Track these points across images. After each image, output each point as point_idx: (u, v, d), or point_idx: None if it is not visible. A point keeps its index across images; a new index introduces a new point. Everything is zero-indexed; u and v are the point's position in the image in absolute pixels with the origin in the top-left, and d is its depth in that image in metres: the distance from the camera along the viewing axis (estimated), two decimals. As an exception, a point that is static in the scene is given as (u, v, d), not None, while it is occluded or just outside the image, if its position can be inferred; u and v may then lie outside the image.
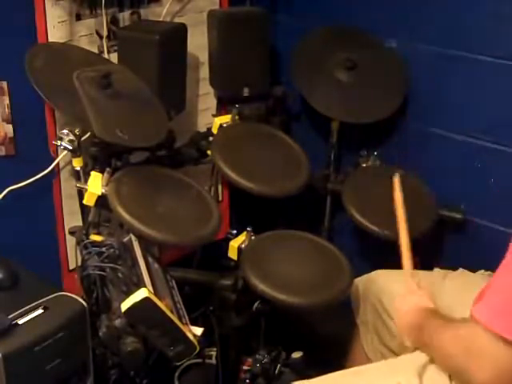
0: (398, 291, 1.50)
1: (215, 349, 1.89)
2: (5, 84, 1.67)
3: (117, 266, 1.55)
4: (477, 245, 1.95)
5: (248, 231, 1.80)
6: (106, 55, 1.85)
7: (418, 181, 1.97)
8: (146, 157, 1.82)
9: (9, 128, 1.72)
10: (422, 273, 1.69)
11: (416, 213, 1.89)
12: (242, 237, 1.81)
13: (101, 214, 1.73)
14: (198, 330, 1.51)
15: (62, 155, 1.78)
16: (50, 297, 1.53)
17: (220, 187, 2.20)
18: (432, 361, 1.30)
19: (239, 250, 1.78)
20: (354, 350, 1.80)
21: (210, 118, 2.10)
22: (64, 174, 1.84)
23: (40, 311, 1.48)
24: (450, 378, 1.25)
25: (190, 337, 1.47)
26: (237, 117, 2.00)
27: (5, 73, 1.66)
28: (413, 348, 1.37)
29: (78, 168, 1.67)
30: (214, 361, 1.92)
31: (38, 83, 1.60)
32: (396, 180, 1.74)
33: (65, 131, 1.63)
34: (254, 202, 1.88)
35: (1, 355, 1.36)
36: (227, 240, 1.83)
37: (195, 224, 1.64)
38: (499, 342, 1.08)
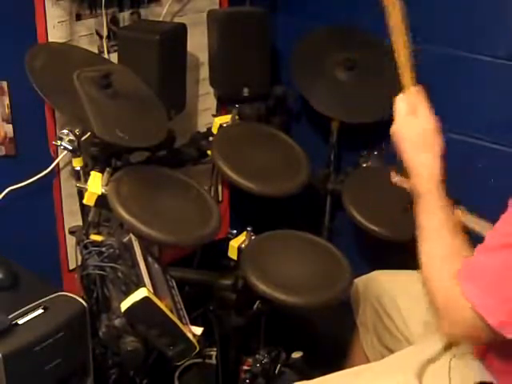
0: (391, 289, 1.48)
1: (215, 349, 1.89)
2: (5, 84, 1.67)
3: (117, 266, 1.55)
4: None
5: (248, 231, 1.80)
6: (106, 55, 1.85)
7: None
8: (146, 157, 1.82)
9: (9, 128, 1.72)
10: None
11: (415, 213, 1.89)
12: (242, 237, 1.81)
13: (101, 213, 1.73)
14: (198, 330, 1.51)
15: (62, 155, 1.78)
16: (50, 297, 1.53)
17: (220, 187, 2.21)
18: (431, 361, 1.30)
19: (239, 249, 1.78)
20: (353, 351, 1.80)
21: (210, 118, 2.10)
22: (64, 174, 1.84)
23: (40, 311, 1.48)
24: (450, 377, 1.25)
25: (190, 337, 1.47)
26: (237, 117, 2.00)
27: (5, 73, 1.67)
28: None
29: (78, 168, 1.67)
30: (214, 361, 1.92)
31: (38, 83, 1.60)
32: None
33: (65, 131, 1.63)
34: (254, 201, 1.88)
35: (1, 355, 1.36)
36: (227, 240, 1.83)
37: (195, 224, 1.64)
38: (474, 313, 1.08)
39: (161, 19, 1.96)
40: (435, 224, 1.22)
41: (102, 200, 1.61)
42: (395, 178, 1.65)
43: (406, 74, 1.35)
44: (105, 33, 1.83)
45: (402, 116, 1.31)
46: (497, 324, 1.07)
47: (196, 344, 1.47)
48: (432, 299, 1.17)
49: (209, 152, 1.92)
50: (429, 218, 1.23)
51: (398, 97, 1.34)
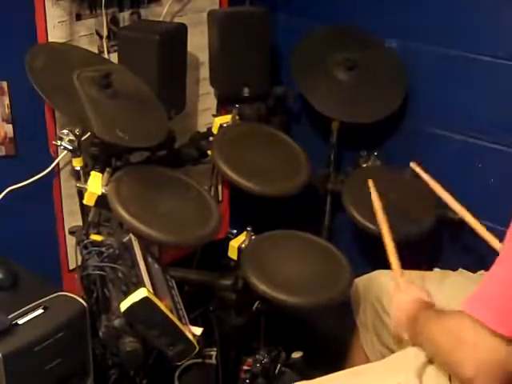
0: (390, 291, 1.51)
1: (215, 349, 1.89)
2: (5, 84, 1.67)
3: (117, 266, 1.55)
4: (477, 245, 1.95)
5: (248, 231, 1.80)
6: (106, 55, 1.85)
7: (418, 181, 1.97)
8: (146, 157, 1.82)
9: (9, 128, 1.72)
10: (421, 273, 1.69)
11: (416, 213, 1.89)
12: (242, 237, 1.81)
13: (101, 213, 1.73)
14: (198, 330, 1.51)
15: (62, 155, 1.78)
16: (50, 297, 1.53)
17: (220, 187, 2.21)
18: (431, 361, 1.30)
19: (239, 249, 1.78)
20: (353, 350, 1.80)
21: (210, 118, 2.10)
22: (64, 174, 1.84)
23: (40, 311, 1.48)
24: (450, 377, 1.25)
25: (190, 337, 1.47)
26: (237, 117, 2.00)
27: (5, 73, 1.67)
28: (410, 343, 1.37)
29: (78, 168, 1.67)
30: (214, 361, 1.92)
31: (38, 83, 1.59)
32: (370, 183, 1.80)
33: (65, 131, 1.63)
34: (254, 201, 1.88)
35: (1, 355, 1.36)
36: (227, 240, 1.83)
37: (195, 224, 1.64)
38: (483, 330, 1.08)
39: (161, 19, 1.96)
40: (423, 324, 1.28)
41: (102, 200, 1.61)
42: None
43: (392, 257, 1.53)
44: (105, 33, 1.83)
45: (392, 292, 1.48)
46: (510, 333, 1.06)
47: (196, 344, 1.47)
48: (441, 355, 1.20)
49: (209, 152, 1.92)
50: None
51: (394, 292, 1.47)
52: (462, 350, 1.12)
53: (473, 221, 1.70)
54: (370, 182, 1.80)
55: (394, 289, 1.46)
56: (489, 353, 1.09)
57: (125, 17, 1.89)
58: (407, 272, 1.66)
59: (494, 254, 1.20)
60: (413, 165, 1.86)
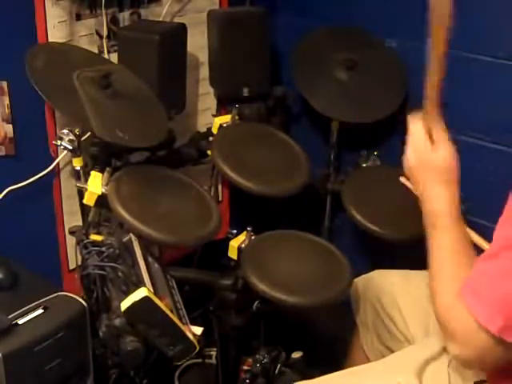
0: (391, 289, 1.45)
1: (215, 349, 1.89)
2: (5, 84, 1.67)
3: (117, 266, 1.55)
4: (477, 245, 1.95)
5: (248, 231, 1.80)
6: (106, 55, 1.85)
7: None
8: (146, 157, 1.82)
9: (9, 128, 1.72)
10: (422, 272, 1.69)
11: (416, 213, 1.89)
12: (242, 237, 1.80)
13: (101, 213, 1.73)
14: (198, 330, 1.51)
15: (62, 155, 1.78)
16: (50, 297, 1.53)
17: (220, 187, 2.21)
18: (431, 360, 1.30)
19: (239, 249, 1.78)
20: (353, 350, 1.80)
21: (210, 118, 2.10)
22: (64, 174, 1.84)
23: (40, 311, 1.48)
24: (449, 377, 1.25)
25: (190, 336, 1.47)
26: (237, 117, 2.00)
27: (5, 73, 1.67)
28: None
29: (78, 168, 1.67)
30: (214, 361, 1.92)
31: (38, 83, 1.60)
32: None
33: (65, 131, 1.63)
34: (254, 201, 1.88)
35: (1, 355, 1.36)
36: (227, 240, 1.83)
37: (195, 224, 1.64)
38: (473, 323, 1.06)
39: (161, 19, 1.96)
40: (448, 252, 1.18)
41: (102, 200, 1.61)
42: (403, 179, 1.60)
43: (431, 93, 1.23)
44: (105, 33, 1.83)
45: (419, 141, 1.23)
46: (497, 329, 1.05)
47: (196, 344, 1.47)
48: (441, 323, 1.14)
49: (209, 152, 1.92)
50: (442, 245, 1.19)
51: (415, 116, 1.25)
52: (454, 333, 1.11)
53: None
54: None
55: (425, 136, 1.21)
56: (472, 338, 1.08)
57: (125, 17, 1.89)
58: (408, 271, 1.66)
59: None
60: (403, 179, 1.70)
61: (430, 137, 1.21)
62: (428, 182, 1.22)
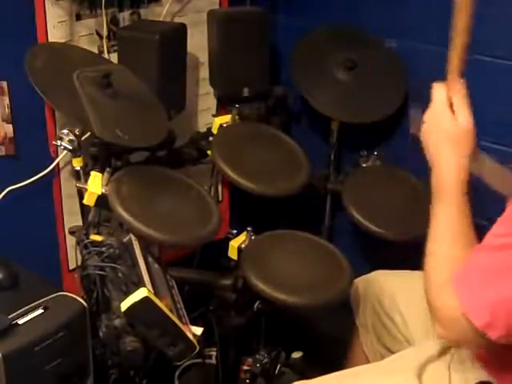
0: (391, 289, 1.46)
1: (215, 349, 1.88)
2: (5, 84, 1.67)
3: (117, 266, 1.55)
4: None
5: (248, 231, 1.80)
6: (106, 55, 1.85)
7: (418, 181, 1.97)
8: (146, 157, 1.82)
9: (9, 128, 1.72)
10: (422, 273, 1.69)
11: (416, 213, 1.89)
12: (242, 237, 1.81)
13: (101, 213, 1.73)
14: (198, 330, 1.51)
15: (62, 155, 1.78)
16: (50, 297, 1.53)
17: (220, 187, 2.20)
18: (431, 361, 1.30)
19: (239, 249, 1.78)
20: (353, 350, 1.80)
21: (210, 118, 2.10)
22: (64, 174, 1.84)
23: (40, 311, 1.48)
24: (450, 378, 1.25)
25: (190, 336, 1.47)
26: (237, 117, 2.00)
27: (5, 73, 1.67)
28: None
29: (78, 168, 1.67)
30: (214, 361, 1.92)
31: (38, 83, 1.60)
32: None
33: (65, 131, 1.63)
34: (254, 201, 1.88)
35: (1, 355, 1.36)
36: (227, 240, 1.83)
37: (195, 224, 1.64)
38: (462, 315, 1.07)
39: (161, 19, 1.96)
40: (447, 228, 1.17)
41: (102, 200, 1.61)
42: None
43: (455, 61, 1.26)
44: (105, 33, 1.83)
45: (439, 106, 1.23)
46: (481, 325, 1.05)
47: (196, 344, 1.47)
48: (428, 300, 1.16)
49: (209, 152, 1.92)
50: (443, 223, 1.18)
51: (439, 84, 1.26)
52: (436, 304, 1.12)
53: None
54: None
55: (444, 102, 1.22)
56: (458, 330, 1.09)
57: (125, 17, 1.89)
58: (408, 272, 1.66)
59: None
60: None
61: (451, 106, 1.21)
62: (440, 145, 1.20)
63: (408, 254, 1.56)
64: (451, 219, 1.17)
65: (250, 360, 1.80)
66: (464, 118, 1.21)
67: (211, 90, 2.15)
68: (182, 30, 1.87)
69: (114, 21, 1.86)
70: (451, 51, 1.25)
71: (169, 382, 1.97)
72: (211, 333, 1.81)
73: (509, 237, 1.08)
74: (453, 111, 1.21)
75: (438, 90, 1.25)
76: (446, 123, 1.21)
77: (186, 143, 2.00)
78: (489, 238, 1.12)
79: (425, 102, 1.27)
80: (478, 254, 1.11)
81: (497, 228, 1.12)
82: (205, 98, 2.16)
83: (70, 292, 1.58)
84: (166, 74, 1.81)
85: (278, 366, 1.82)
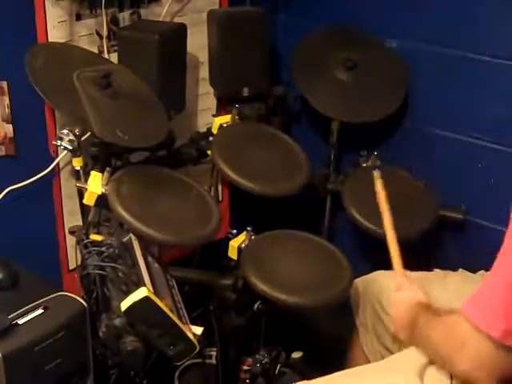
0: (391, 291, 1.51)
1: (215, 349, 1.89)
2: (5, 84, 1.67)
3: (117, 266, 1.55)
4: (477, 245, 1.95)
5: (248, 231, 1.80)
6: (106, 55, 1.85)
7: (418, 181, 1.97)
8: (146, 157, 1.82)
9: (9, 128, 1.72)
10: (421, 273, 1.69)
11: (416, 213, 1.89)
12: (242, 237, 1.81)
13: (101, 213, 1.73)
14: (198, 330, 1.51)
15: (62, 155, 1.78)
16: (50, 297, 1.53)
17: (220, 187, 2.20)
18: (432, 362, 1.30)
19: (239, 249, 1.78)
20: (353, 351, 1.80)
21: (210, 118, 2.10)
22: (64, 174, 1.84)
23: (40, 311, 1.48)
24: (451, 377, 1.25)
25: (190, 336, 1.47)
26: (237, 117, 2.00)
27: (5, 73, 1.66)
28: (407, 344, 1.38)
29: (78, 168, 1.67)
30: (214, 361, 1.92)
31: (38, 83, 1.60)
32: (376, 175, 1.68)
33: (65, 131, 1.63)
34: (254, 201, 1.88)
35: (1, 355, 1.36)
36: (227, 240, 1.83)
37: (195, 224, 1.64)
38: (478, 333, 1.11)
39: (161, 19, 1.95)
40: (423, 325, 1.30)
41: (102, 200, 1.61)
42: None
43: (395, 256, 1.50)
44: (105, 33, 1.83)
45: (393, 292, 1.46)
46: (499, 335, 1.08)
47: (196, 344, 1.47)
48: (437, 353, 1.24)
49: (209, 152, 1.92)
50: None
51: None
52: (457, 346, 1.16)
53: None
54: (376, 173, 1.68)
55: (395, 288, 1.46)
56: (476, 349, 1.13)
57: (125, 17, 1.89)
58: (408, 273, 1.66)
59: (495, 254, 1.19)
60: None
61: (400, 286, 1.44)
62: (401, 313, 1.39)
63: (408, 255, 1.56)
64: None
65: (250, 360, 1.80)
66: (406, 291, 1.42)
67: (211, 89, 2.15)
68: (182, 29, 1.87)
69: (114, 21, 1.86)
70: (389, 248, 1.52)
71: (169, 382, 1.97)
72: (211, 333, 1.81)
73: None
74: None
75: (392, 282, 1.49)
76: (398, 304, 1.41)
77: (185, 143, 2.00)
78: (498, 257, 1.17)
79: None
80: (489, 275, 1.17)
81: (503, 245, 1.16)
82: (205, 98, 2.16)
83: (69, 292, 1.58)
84: (166, 74, 1.81)
85: (278, 365, 1.82)
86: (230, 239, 1.82)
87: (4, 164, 1.74)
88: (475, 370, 1.14)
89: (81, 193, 1.67)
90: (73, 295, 1.56)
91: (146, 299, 1.39)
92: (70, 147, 1.63)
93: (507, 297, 1.10)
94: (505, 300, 1.10)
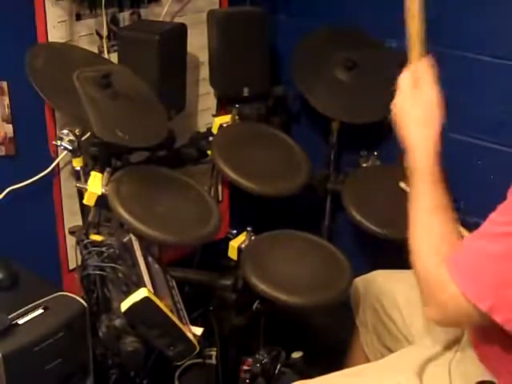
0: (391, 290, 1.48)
1: (215, 349, 1.89)
2: (5, 84, 1.67)
3: (117, 266, 1.55)
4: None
5: (248, 231, 1.80)
6: (106, 55, 1.85)
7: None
8: (146, 157, 1.82)
9: (9, 128, 1.72)
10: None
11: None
12: (242, 237, 1.81)
13: (101, 213, 1.73)
14: (198, 330, 1.52)
15: (62, 155, 1.78)
16: (50, 297, 1.53)
17: (220, 187, 2.21)
18: (432, 360, 1.30)
19: (239, 249, 1.78)
20: (353, 350, 1.80)
21: (210, 118, 2.10)
22: (64, 174, 1.84)
23: (40, 311, 1.48)
24: (450, 377, 1.25)
25: (190, 337, 1.47)
26: (237, 117, 2.00)
27: (5, 73, 1.67)
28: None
29: (78, 168, 1.67)
30: (214, 361, 1.92)
31: (37, 83, 1.60)
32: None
33: (65, 131, 1.63)
34: (254, 201, 1.88)
35: (1, 355, 1.36)
36: (227, 240, 1.83)
37: (195, 224, 1.64)
38: (463, 297, 1.08)
39: (161, 19, 1.96)
40: (427, 204, 1.19)
41: (102, 200, 1.61)
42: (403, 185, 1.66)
43: (415, 46, 1.30)
44: (105, 33, 1.83)
45: (404, 90, 1.28)
46: (487, 308, 1.06)
47: (196, 344, 1.47)
48: (419, 283, 1.17)
49: (209, 152, 1.92)
50: (421, 197, 1.20)
51: (403, 72, 1.30)
52: (432, 295, 1.14)
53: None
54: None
55: (411, 82, 1.27)
56: (456, 305, 1.10)
57: (125, 17, 1.89)
58: (408, 272, 1.66)
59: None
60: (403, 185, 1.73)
61: (416, 85, 1.26)
62: (410, 126, 1.25)
63: (408, 254, 1.56)
64: (434, 193, 1.19)
65: (250, 360, 1.80)
66: (428, 92, 1.25)
67: (211, 90, 2.15)
68: (182, 29, 1.87)
69: (114, 21, 1.86)
70: (410, 37, 1.31)
71: (169, 382, 1.97)
72: (211, 333, 1.81)
73: (509, 226, 1.08)
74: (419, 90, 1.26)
75: (404, 75, 1.29)
76: (412, 105, 1.26)
77: (186, 143, 2.00)
78: (488, 225, 1.13)
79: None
80: (478, 241, 1.12)
81: (497, 216, 1.12)
82: (205, 97, 2.16)
83: (70, 292, 1.58)
84: (166, 74, 1.81)
85: (278, 365, 1.81)
86: (230, 239, 1.82)
87: (4, 164, 1.74)
88: (442, 317, 1.14)
89: (81, 193, 1.67)
90: (73, 295, 1.56)
91: (146, 300, 1.39)
92: (70, 147, 1.63)
93: (499, 269, 1.07)
94: (496, 273, 1.07)
